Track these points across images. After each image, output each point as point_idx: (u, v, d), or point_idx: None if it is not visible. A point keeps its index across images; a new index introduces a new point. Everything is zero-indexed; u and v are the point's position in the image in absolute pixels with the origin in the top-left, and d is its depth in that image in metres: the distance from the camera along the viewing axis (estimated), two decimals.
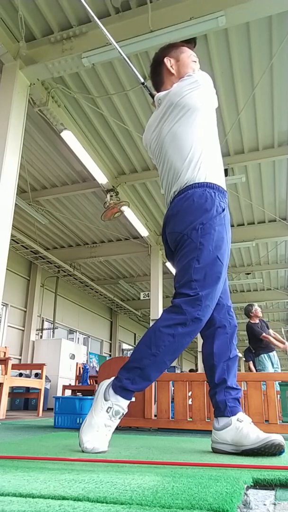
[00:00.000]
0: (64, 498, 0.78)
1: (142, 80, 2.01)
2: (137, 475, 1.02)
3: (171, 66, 1.91)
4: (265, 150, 6.43)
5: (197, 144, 1.69)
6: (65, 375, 9.19)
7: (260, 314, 6.26)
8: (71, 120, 5.79)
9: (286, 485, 0.99)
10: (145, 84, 2.00)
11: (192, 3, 3.97)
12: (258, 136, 6.17)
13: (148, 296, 9.95)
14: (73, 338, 12.73)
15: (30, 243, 9.51)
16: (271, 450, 1.43)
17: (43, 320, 11.19)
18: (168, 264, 10.21)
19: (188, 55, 1.94)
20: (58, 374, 9.02)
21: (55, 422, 3.10)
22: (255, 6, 3.80)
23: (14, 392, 7.10)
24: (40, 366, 5.74)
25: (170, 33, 3.93)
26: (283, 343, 5.91)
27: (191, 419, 2.75)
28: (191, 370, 15.30)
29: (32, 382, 5.56)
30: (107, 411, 1.48)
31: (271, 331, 6.21)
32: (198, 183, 1.64)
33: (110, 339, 15.37)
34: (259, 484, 1.01)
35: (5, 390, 4.41)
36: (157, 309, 9.33)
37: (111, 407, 1.48)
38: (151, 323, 9.47)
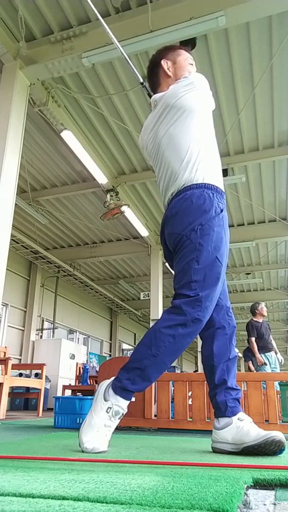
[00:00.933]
0: (64, 498, 0.78)
1: (141, 80, 2.02)
2: (137, 475, 1.02)
3: (168, 68, 1.93)
4: (265, 150, 6.43)
5: (194, 145, 1.69)
6: (65, 375, 9.19)
7: (265, 313, 6.31)
8: (71, 120, 5.79)
9: (286, 485, 0.99)
10: (144, 84, 2.01)
11: (192, 3, 3.97)
12: (258, 136, 6.17)
13: (148, 296, 9.95)
14: (73, 338, 12.73)
15: (30, 243, 9.51)
16: (272, 446, 1.43)
17: (43, 320, 11.19)
18: (168, 265, 10.21)
19: (185, 57, 1.95)
20: (58, 374, 9.02)
21: (55, 422, 3.10)
22: (255, 6, 3.80)
23: (14, 392, 7.10)
24: (40, 366, 5.74)
25: (170, 33, 3.93)
26: (260, 361, 5.97)
27: (191, 419, 2.75)
28: (196, 371, 15.31)
29: (32, 382, 5.56)
30: (106, 411, 1.48)
31: (273, 342, 6.23)
32: (196, 184, 1.64)
33: (110, 339, 15.37)
34: (259, 484, 1.01)
35: (5, 390, 4.41)
36: (157, 309, 9.34)
37: (111, 407, 1.48)
38: (151, 323, 9.48)
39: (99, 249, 10.17)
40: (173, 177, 1.70)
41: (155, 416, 2.86)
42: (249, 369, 6.67)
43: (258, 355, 5.97)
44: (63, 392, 6.31)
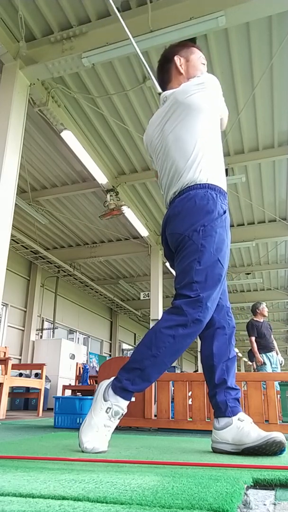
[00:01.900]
0: (64, 498, 0.78)
1: (160, 90, 1.96)
2: (137, 475, 1.02)
3: (181, 65, 1.89)
4: (265, 150, 6.43)
5: (200, 145, 1.68)
6: (65, 375, 9.19)
7: (266, 314, 6.31)
8: (71, 120, 5.79)
9: (286, 485, 0.99)
10: (161, 93, 1.94)
11: (192, 3, 3.97)
12: (258, 136, 6.17)
13: (148, 296, 9.95)
14: (73, 338, 12.73)
15: (30, 243, 9.51)
16: (272, 447, 1.43)
17: (43, 320, 11.19)
18: (168, 264, 10.21)
19: (198, 56, 1.93)
20: (58, 374, 9.02)
21: (55, 422, 3.10)
22: (255, 6, 3.80)
23: (14, 392, 7.10)
24: (40, 366, 5.74)
25: (170, 33, 3.93)
26: (259, 361, 5.96)
27: (191, 419, 2.75)
28: (195, 371, 15.31)
29: (32, 382, 5.56)
30: (106, 411, 1.47)
31: (275, 343, 6.23)
32: (200, 184, 1.64)
33: (110, 339, 15.37)
34: (259, 484, 1.01)
35: (5, 390, 4.41)
36: (157, 309, 9.33)
37: (110, 408, 1.48)
38: (151, 323, 9.48)
39: (99, 249, 10.17)
40: (176, 176, 1.69)
41: (155, 416, 2.86)
42: (254, 370, 6.66)
43: (257, 354, 5.97)
44: (63, 392, 6.31)
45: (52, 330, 11.31)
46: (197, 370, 16.86)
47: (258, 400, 2.61)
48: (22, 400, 7.78)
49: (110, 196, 7.05)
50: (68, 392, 6.65)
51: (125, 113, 5.72)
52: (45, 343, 10.07)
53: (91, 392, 5.67)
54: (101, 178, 6.76)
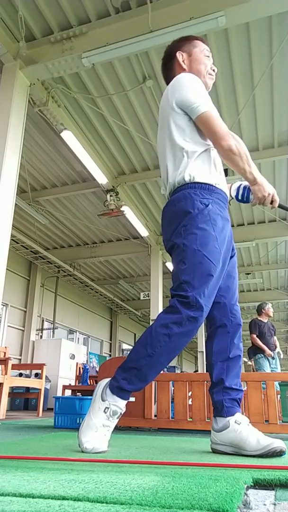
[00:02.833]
0: (64, 498, 0.78)
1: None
2: (137, 475, 1.02)
3: (183, 61, 1.84)
4: (265, 150, 6.43)
5: (185, 146, 1.64)
6: (65, 375, 9.19)
7: (271, 314, 6.30)
8: (71, 120, 5.79)
9: (286, 485, 0.99)
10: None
11: (192, 3, 3.97)
12: (258, 136, 6.17)
13: (148, 296, 9.95)
14: (73, 338, 12.72)
15: (30, 243, 9.51)
16: (273, 456, 1.44)
17: (43, 320, 11.19)
18: (168, 264, 10.22)
19: (201, 49, 1.85)
20: (58, 374, 9.02)
21: (55, 422, 3.10)
22: (255, 6, 3.80)
23: (14, 392, 7.10)
24: (40, 366, 5.74)
25: (170, 33, 3.93)
26: (269, 354, 5.96)
27: (191, 419, 2.75)
28: (196, 371, 15.31)
29: (32, 382, 5.56)
30: (104, 411, 1.47)
31: (277, 343, 6.23)
32: (179, 187, 1.63)
33: (110, 339, 15.37)
34: (259, 484, 1.01)
35: (5, 390, 4.41)
36: (157, 309, 9.33)
37: (108, 407, 1.47)
38: (151, 323, 9.46)
39: (99, 249, 10.17)
40: (165, 180, 1.71)
41: (155, 416, 2.86)
42: (253, 370, 6.67)
43: (264, 347, 5.94)
44: (63, 392, 6.31)
45: (52, 330, 11.31)
46: (197, 370, 16.86)
47: (258, 400, 2.61)
48: (22, 400, 7.78)
49: (110, 196, 7.05)
50: (68, 392, 6.65)
51: (125, 113, 5.72)
52: (45, 343, 10.07)
53: (91, 392, 5.66)
54: (101, 178, 6.76)
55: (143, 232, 8.75)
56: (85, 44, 4.31)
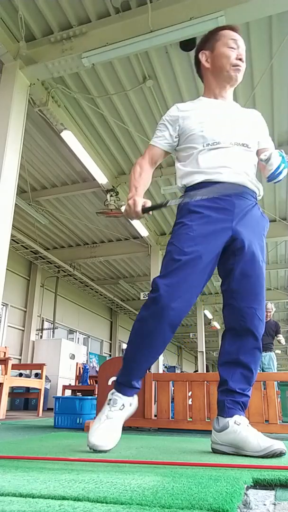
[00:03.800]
0: (64, 498, 0.78)
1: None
2: (137, 475, 1.02)
3: (206, 60, 1.79)
4: None
5: (181, 162, 1.78)
6: (65, 375, 9.19)
7: (270, 315, 6.31)
8: (71, 120, 5.79)
9: (286, 485, 0.99)
10: None
11: (192, 3, 3.97)
12: None
13: None
14: (73, 338, 12.72)
15: (30, 243, 9.51)
16: (273, 458, 1.44)
17: (43, 320, 11.18)
18: None
19: (225, 42, 1.74)
20: (58, 374, 9.02)
21: (55, 422, 3.10)
22: (255, 6, 3.79)
23: (14, 392, 7.10)
24: (40, 366, 5.74)
25: (170, 33, 3.93)
26: None
27: (191, 419, 2.75)
28: (196, 371, 15.31)
29: (32, 382, 5.56)
30: (108, 403, 1.59)
31: (283, 341, 6.22)
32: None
33: (110, 339, 15.37)
34: (259, 484, 1.01)
35: (5, 390, 4.41)
36: None
37: (110, 399, 1.60)
38: None
39: (99, 249, 10.17)
40: None
41: (155, 416, 2.86)
42: None
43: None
44: (63, 392, 6.32)
45: (52, 330, 11.31)
46: (197, 370, 16.86)
47: (258, 400, 2.61)
48: (22, 400, 7.78)
49: (110, 196, 7.05)
50: (68, 392, 6.65)
51: (125, 113, 5.71)
52: (45, 343, 10.07)
53: (91, 392, 5.67)
54: (101, 178, 6.76)
55: (143, 232, 8.74)
56: (85, 44, 4.30)
